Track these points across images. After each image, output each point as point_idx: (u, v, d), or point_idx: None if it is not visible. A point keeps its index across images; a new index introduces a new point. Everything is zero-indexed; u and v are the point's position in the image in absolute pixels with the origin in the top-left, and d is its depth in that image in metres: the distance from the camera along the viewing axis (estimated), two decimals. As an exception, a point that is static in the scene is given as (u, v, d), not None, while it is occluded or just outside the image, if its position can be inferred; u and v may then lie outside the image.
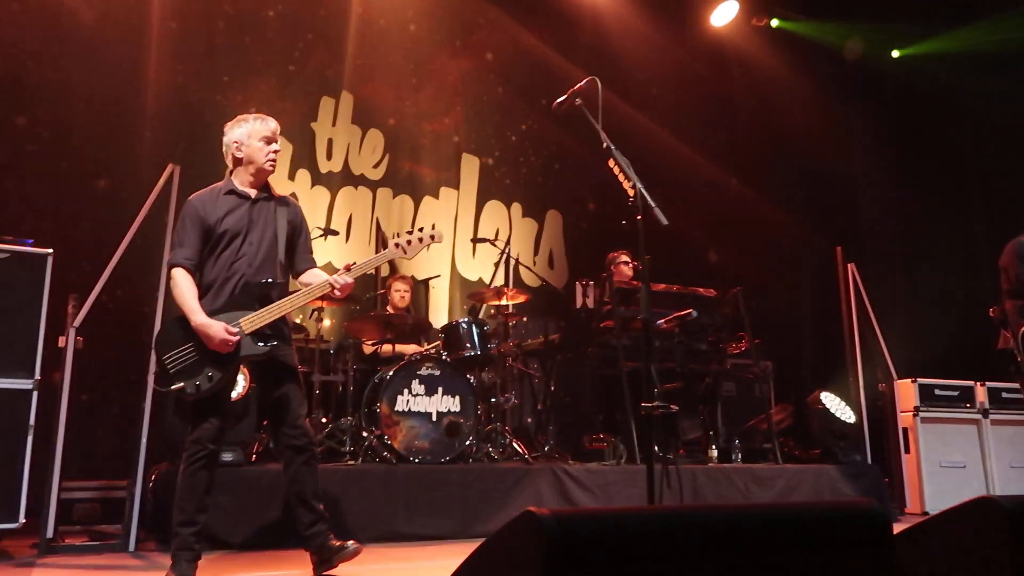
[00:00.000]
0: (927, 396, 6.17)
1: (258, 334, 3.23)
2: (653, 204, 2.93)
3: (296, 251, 3.50)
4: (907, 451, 6.05)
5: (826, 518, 1.56)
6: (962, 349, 6.90)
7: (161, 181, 4.50)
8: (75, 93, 5.82)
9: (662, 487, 2.81)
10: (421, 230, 3.45)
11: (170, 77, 6.34)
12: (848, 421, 6.10)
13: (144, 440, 4.17)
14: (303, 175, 6.92)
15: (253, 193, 3.41)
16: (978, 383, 6.32)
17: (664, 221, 2.91)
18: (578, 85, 3.29)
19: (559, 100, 3.33)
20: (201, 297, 3.27)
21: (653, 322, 5.16)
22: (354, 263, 3.45)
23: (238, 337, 3.17)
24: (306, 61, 7.07)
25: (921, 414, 6.11)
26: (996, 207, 7.78)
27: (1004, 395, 6.26)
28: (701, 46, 8.39)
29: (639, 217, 2.95)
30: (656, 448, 5.63)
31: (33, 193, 5.57)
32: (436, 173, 7.59)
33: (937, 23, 7.99)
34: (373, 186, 7.23)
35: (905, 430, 6.10)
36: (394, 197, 7.32)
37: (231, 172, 3.45)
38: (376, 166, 7.28)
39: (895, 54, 8.54)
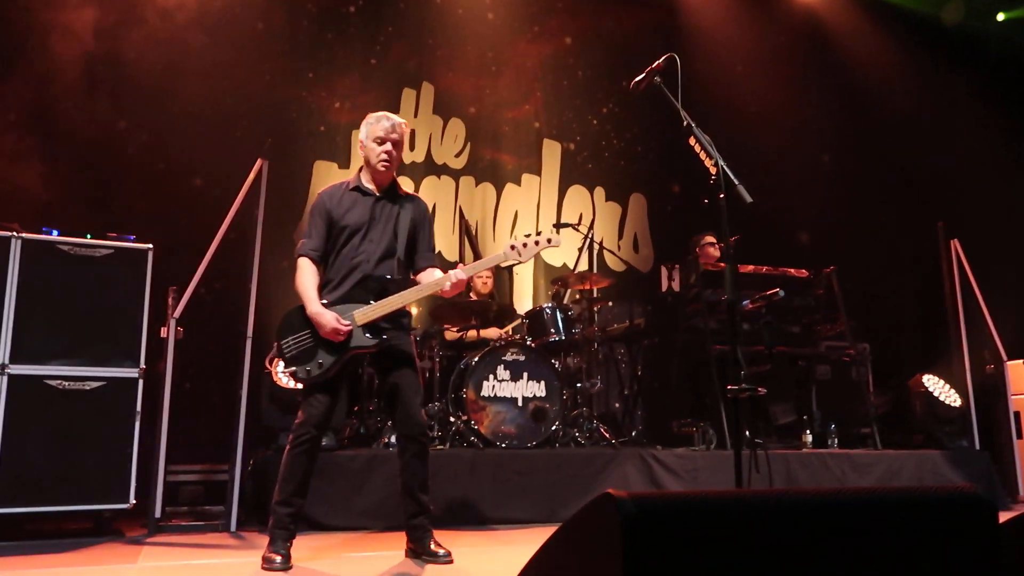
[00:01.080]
0: (1041, 378, 5.82)
1: (370, 327, 3.33)
2: (736, 181, 2.84)
3: (417, 248, 3.57)
4: (1020, 436, 5.72)
5: (924, 504, 1.47)
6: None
7: (251, 177, 4.66)
8: (169, 96, 6.06)
9: (750, 472, 2.73)
10: (539, 234, 3.40)
11: (257, 76, 6.53)
12: (954, 405, 5.81)
13: (242, 427, 4.34)
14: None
15: (377, 191, 3.52)
16: (1099, 364, 5.92)
17: (748, 198, 2.82)
18: (656, 63, 3.22)
19: (637, 79, 3.27)
20: (323, 289, 3.42)
21: (738, 303, 5.03)
22: (465, 263, 3.51)
23: (348, 327, 3.28)
24: (386, 54, 7.17)
25: (1035, 397, 5.77)
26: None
27: None
28: (787, 19, 8.10)
29: (722, 195, 2.87)
30: (747, 433, 5.51)
31: (134, 193, 5.84)
32: (517, 160, 7.59)
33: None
34: (455, 175, 7.29)
35: (1017, 414, 5.77)
36: (476, 185, 7.36)
37: (360, 169, 3.59)
38: (458, 155, 7.33)
39: (1000, 17, 8.02)
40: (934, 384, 5.89)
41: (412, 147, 7.16)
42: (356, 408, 5.29)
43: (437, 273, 3.46)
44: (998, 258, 6.85)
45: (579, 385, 5.49)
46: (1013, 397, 5.84)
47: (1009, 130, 7.95)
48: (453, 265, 6.88)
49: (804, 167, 8.08)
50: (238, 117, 6.31)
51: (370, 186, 3.52)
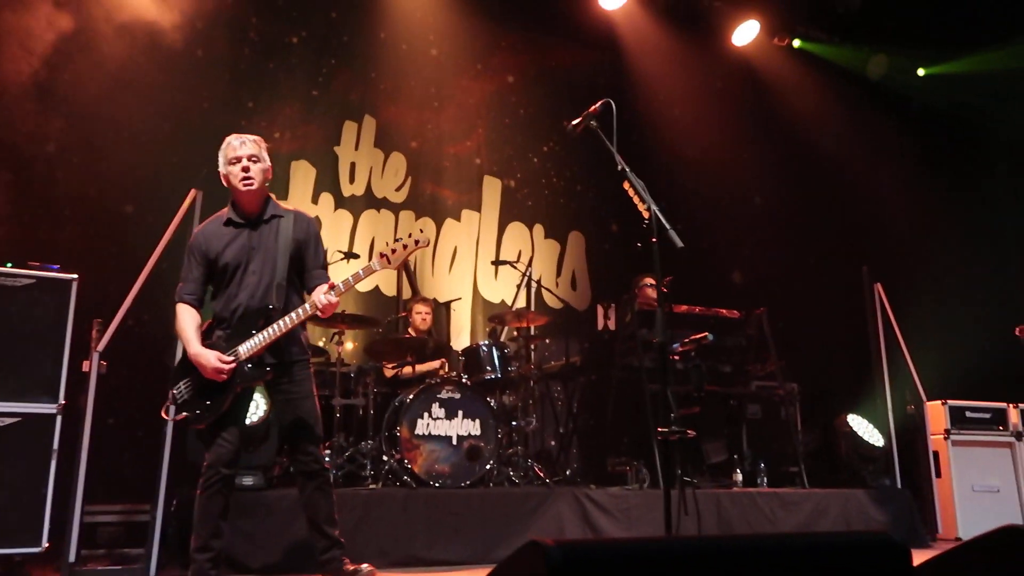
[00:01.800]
0: (958, 419, 6.03)
1: (255, 361, 3.27)
2: (668, 226, 2.91)
3: (305, 267, 3.46)
4: (938, 475, 5.91)
5: (842, 549, 1.52)
6: (994, 370, 6.74)
7: (184, 206, 4.57)
8: (103, 120, 5.93)
9: (680, 513, 2.75)
10: (409, 235, 3.36)
11: (195, 103, 6.43)
12: (877, 444, 5.98)
13: (166, 464, 4.20)
14: (326, 199, 6.98)
15: (251, 217, 3.41)
16: (1011, 405, 6.17)
17: (679, 244, 2.89)
18: (592, 107, 3.29)
19: (573, 122, 3.33)
20: (215, 328, 3.36)
21: (670, 345, 5.11)
22: (336, 283, 3.35)
23: (231, 365, 3.21)
24: (329, 86, 7.16)
25: (952, 437, 5.97)
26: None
27: (1038, 417, 6.10)
28: (724, 65, 8.37)
29: (654, 239, 2.93)
30: (679, 472, 5.57)
31: (62, 219, 5.67)
32: (458, 195, 7.62)
33: (963, 45, 7.91)
34: (395, 209, 7.28)
35: (936, 453, 5.97)
36: (416, 219, 7.35)
37: (231, 201, 3.49)
38: (398, 189, 7.33)
39: (921, 72, 8.45)
40: (858, 424, 6.07)
41: (352, 179, 7.13)
42: (286, 446, 5.16)
43: (324, 291, 3.35)
44: (918, 301, 7.13)
45: (514, 423, 5.48)
46: (932, 437, 6.04)
47: (929, 179, 8.33)
48: (391, 300, 6.91)
49: (737, 209, 8.31)
50: (175, 144, 6.18)
51: (242, 215, 3.41)
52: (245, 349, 3.26)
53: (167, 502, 4.23)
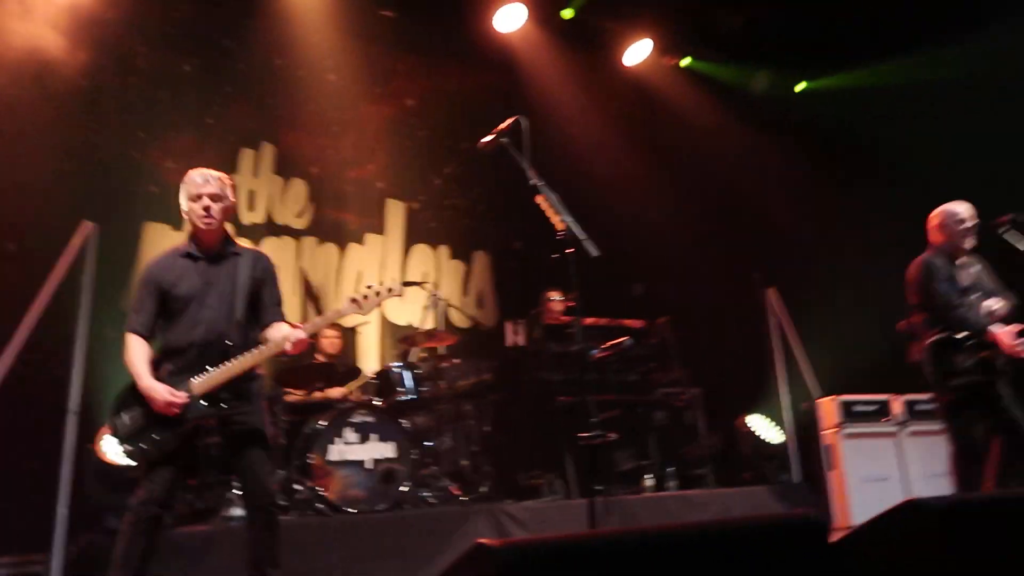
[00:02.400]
0: (848, 412, 6.36)
1: (208, 397, 3.21)
2: (583, 237, 3.01)
3: (261, 305, 3.44)
4: (832, 468, 6.22)
5: (766, 530, 1.61)
6: (880, 364, 7.16)
7: (76, 240, 4.41)
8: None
9: (603, 518, 2.84)
10: (382, 284, 3.38)
11: (82, 134, 6.21)
12: (775, 442, 6.26)
13: (64, 510, 4.00)
14: (226, 227, 6.80)
15: (208, 253, 3.39)
16: (894, 397, 6.56)
17: (594, 252, 3.00)
18: (503, 124, 3.38)
19: (485, 140, 3.40)
20: (164, 362, 3.28)
21: (588, 353, 5.23)
22: (306, 322, 3.43)
23: (183, 400, 3.15)
24: (224, 113, 7.02)
25: (844, 430, 6.30)
26: (902, 227, 8.17)
27: (919, 407, 6.51)
28: (619, 85, 8.64)
29: (570, 250, 3.03)
30: (598, 476, 5.69)
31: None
32: (361, 220, 7.58)
33: (838, 62, 8.44)
34: (297, 235, 7.17)
35: (829, 447, 6.28)
36: (319, 245, 7.27)
37: (189, 235, 3.46)
38: (300, 215, 7.23)
39: (798, 87, 8.96)
40: (757, 423, 6.34)
41: (252, 207, 7.00)
42: (193, 482, 4.99)
43: (285, 327, 3.37)
44: (809, 303, 7.51)
45: (428, 444, 5.47)
46: (824, 432, 6.36)
47: (814, 189, 8.81)
48: (297, 327, 6.79)
49: (636, 222, 8.56)
50: (61, 177, 5.94)
51: (200, 250, 3.40)
52: (197, 383, 3.20)
53: (66, 550, 4.03)
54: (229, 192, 3.45)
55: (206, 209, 3.32)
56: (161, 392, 3.14)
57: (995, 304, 4.38)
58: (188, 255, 3.40)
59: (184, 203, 3.39)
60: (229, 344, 3.27)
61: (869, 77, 8.32)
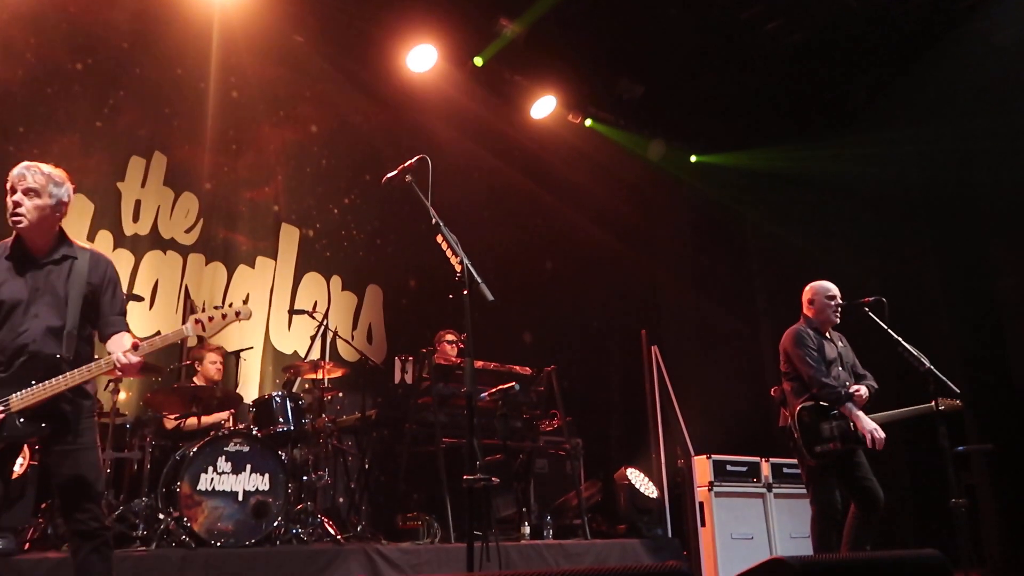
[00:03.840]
0: (720, 472, 6.61)
1: (28, 413, 2.92)
2: (479, 280, 3.03)
3: (101, 313, 3.16)
4: (703, 524, 6.42)
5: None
6: (750, 427, 7.52)
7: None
8: None
9: (481, 563, 2.81)
10: (230, 306, 3.21)
11: (-46, 121, 5.81)
12: (651, 496, 6.42)
13: None
14: (104, 236, 6.46)
15: (38, 254, 3.08)
16: (763, 459, 6.87)
17: (490, 297, 3.02)
18: (408, 162, 3.38)
19: (389, 175, 3.40)
20: None
21: (476, 396, 5.22)
22: (142, 341, 3.13)
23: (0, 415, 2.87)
24: (116, 118, 6.71)
25: (715, 489, 6.53)
26: (776, 298, 8.68)
27: (785, 470, 6.84)
28: (521, 136, 8.82)
29: (465, 292, 3.04)
30: (478, 522, 5.64)
31: None
32: (253, 242, 7.36)
33: (728, 141, 8.98)
34: (184, 251, 6.88)
35: (701, 504, 6.49)
36: (207, 264, 6.99)
37: (15, 234, 3.12)
38: (188, 231, 6.95)
39: (692, 159, 9.43)
40: (636, 477, 6.49)
41: (136, 218, 6.68)
42: (44, 505, 4.64)
43: (127, 339, 3.11)
44: (689, 364, 7.83)
45: (305, 478, 5.30)
46: (697, 488, 6.57)
47: (698, 254, 9.24)
48: (173, 347, 6.47)
49: (529, 271, 8.71)
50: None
51: (26, 252, 3.07)
52: (18, 398, 2.91)
53: None
54: (61, 192, 3.09)
55: (16, 205, 3.00)
56: None
57: (863, 391, 4.68)
58: (12, 257, 3.06)
59: (5, 199, 3.07)
60: (58, 357, 2.99)
61: (752, 159, 8.90)
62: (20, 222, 3.01)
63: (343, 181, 8.00)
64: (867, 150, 7.93)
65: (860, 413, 4.54)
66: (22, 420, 2.92)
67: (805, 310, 4.98)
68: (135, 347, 3.05)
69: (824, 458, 4.55)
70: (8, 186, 3.05)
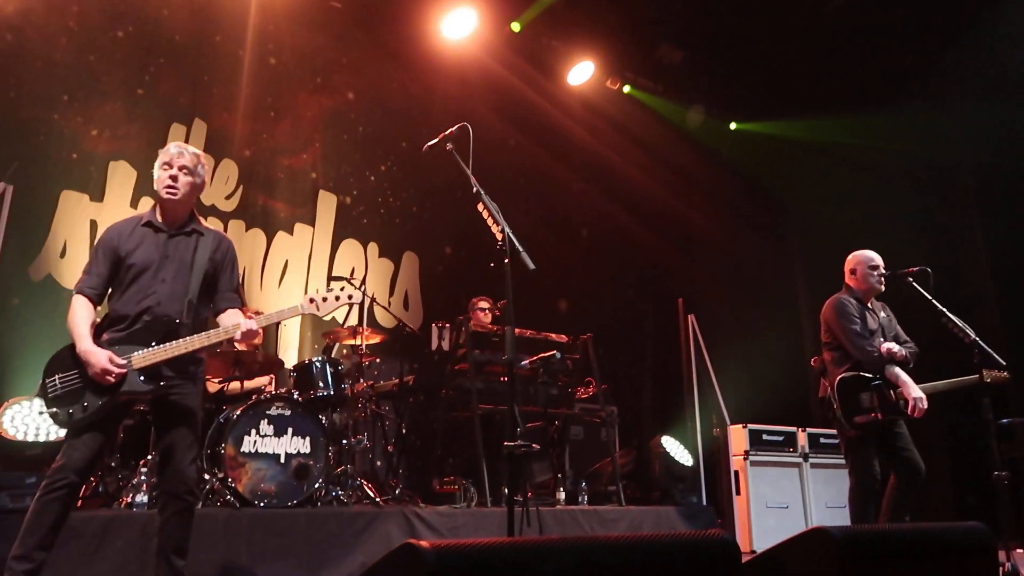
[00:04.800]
0: (756, 441, 6.60)
1: (148, 372, 3.10)
2: (521, 249, 3.03)
3: (218, 289, 3.36)
4: (738, 493, 6.43)
5: (687, 547, 1.66)
6: (785, 398, 7.47)
7: (-10, 200, 4.18)
8: None
9: (521, 527, 2.86)
10: (343, 289, 3.37)
11: (2, 91, 5.90)
12: (686, 464, 6.43)
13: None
14: (147, 203, 6.56)
15: (170, 226, 3.31)
16: (800, 429, 6.85)
17: (531, 265, 3.02)
18: (449, 130, 3.37)
19: (430, 143, 3.40)
20: (108, 328, 3.16)
21: (517, 363, 5.26)
22: (260, 314, 3.38)
23: (121, 370, 3.05)
24: (156, 85, 6.78)
25: (751, 458, 6.52)
26: (814, 270, 8.56)
27: (822, 440, 6.81)
28: (560, 101, 8.75)
29: (507, 260, 3.04)
30: (506, 490, 5.71)
31: None
32: (291, 209, 7.43)
33: (768, 110, 8.82)
34: (225, 217, 6.97)
35: (736, 473, 6.50)
36: (247, 230, 7.08)
37: (154, 204, 3.38)
38: (228, 197, 7.03)
39: (732, 126, 9.28)
40: (671, 445, 6.50)
41: (178, 185, 6.76)
42: (158, 461, 4.78)
43: (239, 315, 3.30)
44: (726, 334, 7.77)
45: (344, 442, 5.39)
46: (733, 457, 6.57)
47: (738, 224, 9.13)
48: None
49: (564, 239, 8.68)
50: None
51: (162, 221, 3.33)
52: (140, 356, 3.08)
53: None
54: (203, 171, 3.41)
55: (172, 179, 3.27)
56: (100, 358, 3.03)
57: (896, 347, 4.62)
58: (149, 224, 3.31)
59: (155, 171, 3.33)
60: (177, 322, 3.18)
61: (793, 129, 8.73)
62: (175, 194, 3.27)
63: (380, 148, 8.01)
64: (915, 124, 7.72)
65: (907, 378, 4.48)
66: (142, 377, 3.08)
67: (847, 279, 4.91)
68: (253, 320, 3.23)
69: (864, 428, 4.51)
70: (163, 161, 3.29)
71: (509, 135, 8.55)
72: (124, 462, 4.75)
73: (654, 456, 6.52)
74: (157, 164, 3.34)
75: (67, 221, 6.13)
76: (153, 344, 3.13)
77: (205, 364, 3.50)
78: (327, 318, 3.21)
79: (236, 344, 3.24)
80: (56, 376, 3.08)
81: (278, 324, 6.08)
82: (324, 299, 3.31)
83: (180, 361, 3.18)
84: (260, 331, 3.25)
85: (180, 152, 3.32)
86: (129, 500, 4.40)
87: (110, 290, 3.29)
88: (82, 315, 3.16)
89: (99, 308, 3.29)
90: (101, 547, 3.94)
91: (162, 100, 6.80)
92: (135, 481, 4.45)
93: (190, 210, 3.41)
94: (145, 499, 4.37)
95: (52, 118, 6.20)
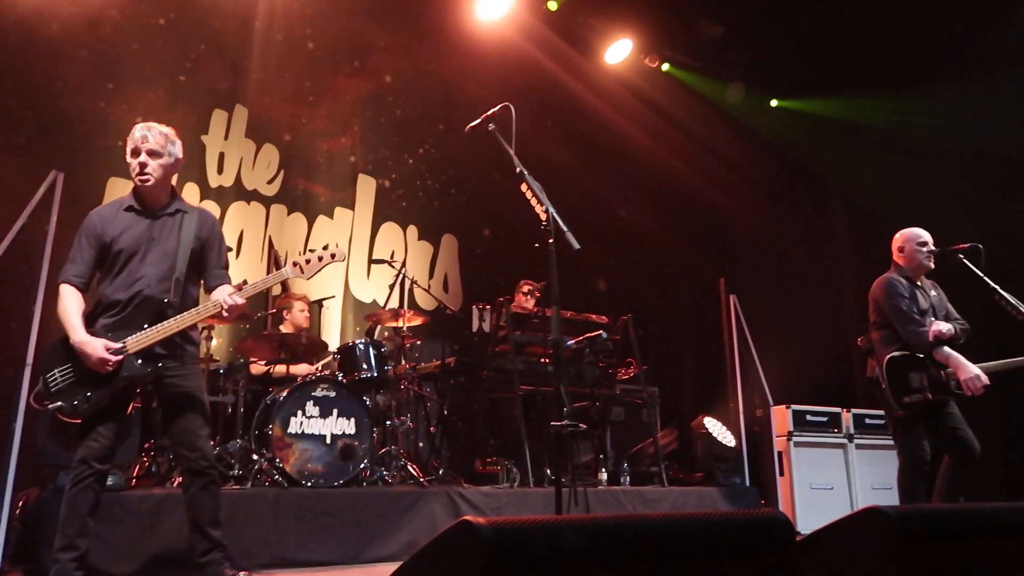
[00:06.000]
0: (800, 422, 6.54)
1: (144, 355, 3.14)
2: (565, 228, 3.01)
3: (206, 266, 3.37)
4: (781, 474, 6.38)
5: (742, 525, 1.65)
6: (830, 378, 7.37)
7: (42, 189, 4.27)
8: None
9: (569, 507, 2.86)
10: (325, 248, 3.39)
11: (49, 82, 6.03)
12: (729, 445, 6.39)
13: (14, 464, 3.89)
14: (191, 188, 6.67)
15: (152, 208, 3.30)
16: (844, 410, 6.75)
17: (576, 245, 3.00)
18: (492, 111, 3.36)
19: (472, 124, 3.38)
20: (99, 316, 3.19)
21: (564, 343, 5.25)
22: (245, 282, 3.35)
23: (118, 357, 3.07)
24: (198, 72, 6.85)
25: (794, 438, 6.46)
26: (859, 249, 8.40)
27: (867, 421, 6.71)
28: (596, 81, 8.66)
29: (551, 241, 3.03)
30: (548, 471, 5.74)
31: None
32: (331, 193, 7.48)
33: (809, 87, 8.64)
34: (267, 202, 7.06)
35: (780, 453, 6.44)
36: (288, 215, 7.16)
37: (133, 187, 3.36)
38: (270, 182, 7.11)
39: (773, 103, 9.11)
40: (713, 425, 6.46)
41: (220, 170, 6.86)
42: (147, 444, 4.91)
43: (227, 290, 3.29)
44: (768, 314, 7.67)
45: (388, 423, 5.45)
46: (776, 438, 6.51)
47: (779, 203, 8.99)
48: (260, 296, 6.67)
49: (603, 219, 8.62)
50: (23, 124, 5.76)
51: (143, 205, 3.31)
52: (134, 340, 3.11)
53: (12, 504, 3.92)
54: (175, 149, 3.35)
55: (141, 166, 3.24)
56: (95, 348, 3.05)
57: (945, 327, 4.52)
58: (131, 208, 3.30)
59: (128, 158, 3.30)
60: (166, 302, 3.19)
61: (836, 107, 8.54)
62: (148, 181, 3.24)
63: (417, 131, 8.03)
64: (963, 103, 7.49)
65: (959, 359, 4.38)
66: (139, 361, 3.12)
67: (895, 258, 4.81)
68: (239, 288, 3.25)
69: (913, 409, 4.43)
70: (131, 148, 3.26)
71: (546, 115, 8.49)
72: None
73: (696, 437, 6.49)
74: (128, 150, 3.30)
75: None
76: (145, 326, 3.14)
77: (199, 345, 3.50)
78: (311, 280, 3.23)
79: (223, 315, 3.22)
80: (55, 370, 3.10)
81: (320, 308, 6.14)
82: (308, 261, 3.34)
83: (172, 342, 3.20)
84: (243, 304, 3.24)
85: (144, 136, 3.26)
86: (181, 479, 4.49)
87: (98, 275, 3.29)
88: (72, 305, 3.17)
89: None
90: (155, 525, 4.04)
91: (203, 86, 6.87)
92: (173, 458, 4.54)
93: (169, 190, 3.38)
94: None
95: (98, 106, 6.31)
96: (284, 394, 4.78)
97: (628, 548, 1.45)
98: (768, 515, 1.74)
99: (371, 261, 7.34)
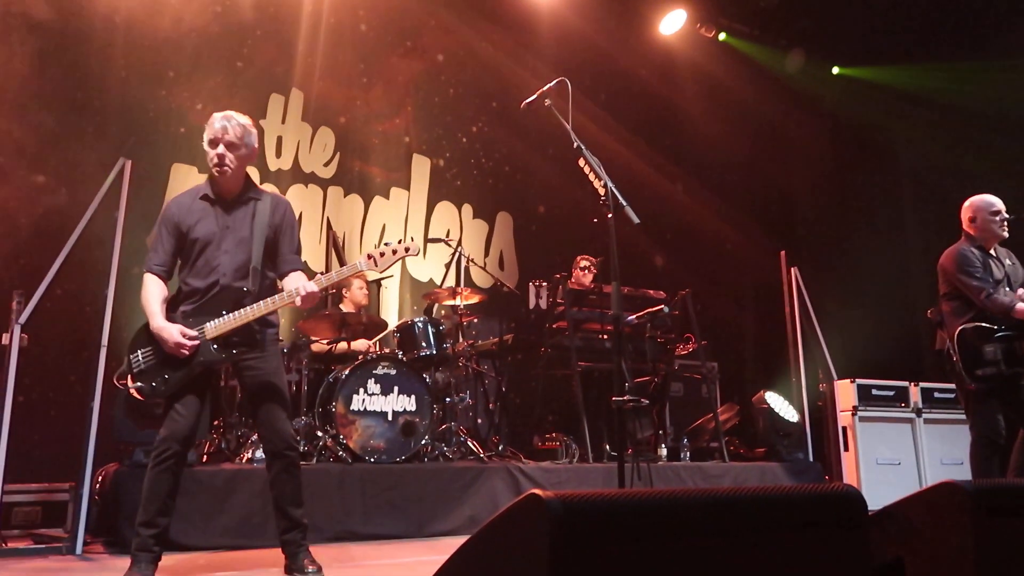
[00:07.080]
0: (865, 396, 6.39)
1: (221, 341, 3.22)
2: (624, 203, 2.98)
3: (279, 253, 3.41)
4: (846, 449, 6.26)
5: (814, 500, 1.63)
6: (896, 351, 7.18)
7: (111, 176, 4.40)
8: (10, 87, 5.61)
9: (632, 481, 2.86)
10: (400, 242, 3.39)
11: (113, 72, 6.19)
12: (791, 420, 6.29)
13: (92, 441, 4.05)
14: (251, 173, 6.75)
15: (226, 197, 3.35)
16: (912, 384, 6.58)
17: (635, 219, 2.97)
18: (547, 86, 3.34)
19: (528, 99, 3.37)
20: (181, 303, 3.28)
21: (624, 319, 5.23)
22: (320, 274, 3.41)
23: (194, 342, 3.16)
24: (254, 58, 6.95)
25: (859, 413, 6.32)
26: (926, 219, 8.14)
27: (936, 395, 6.53)
28: (650, 53, 8.53)
29: (609, 216, 3.01)
30: (607, 447, 5.74)
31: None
32: (386, 173, 7.54)
33: (873, 56, 8.35)
34: (324, 184, 7.16)
35: (844, 428, 6.31)
36: (345, 196, 7.25)
37: (209, 176, 3.43)
38: (327, 164, 7.20)
39: (835, 71, 8.85)
40: (775, 400, 6.36)
41: (279, 154, 6.97)
42: (217, 422, 5.06)
43: (303, 277, 3.35)
44: (831, 287, 7.51)
45: (448, 400, 5.51)
46: (840, 413, 6.38)
47: (842, 173, 8.75)
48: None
49: (660, 194, 8.52)
50: (91, 113, 5.94)
51: (218, 193, 3.35)
52: (212, 327, 3.20)
53: (92, 481, 4.09)
54: (252, 139, 3.37)
55: (220, 158, 3.27)
56: (172, 333, 3.13)
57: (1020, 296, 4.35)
58: (207, 197, 3.36)
59: (205, 147, 3.33)
60: (244, 290, 3.25)
61: (900, 75, 8.25)
62: (225, 172, 3.29)
63: (470, 109, 8.02)
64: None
65: None
66: (215, 347, 3.21)
67: (966, 227, 4.63)
68: (312, 281, 3.27)
69: (986, 382, 4.28)
70: (209, 137, 3.29)
71: (600, 89, 8.40)
72: (243, 420, 4.99)
73: (758, 412, 6.40)
74: (205, 138, 3.31)
75: (178, 191, 6.40)
76: (224, 313, 3.21)
77: (278, 327, 3.54)
78: (386, 274, 3.26)
79: (297, 306, 3.27)
80: (139, 351, 3.21)
81: (379, 287, 6.22)
82: (382, 254, 3.32)
83: (249, 329, 3.25)
84: (319, 293, 3.27)
85: (224, 127, 3.27)
86: (249, 456, 4.64)
87: (180, 263, 3.36)
88: (154, 293, 3.25)
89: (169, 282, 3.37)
90: (227, 499, 4.18)
91: (260, 72, 6.97)
92: (254, 438, 4.67)
93: (245, 178, 3.41)
94: (263, 455, 4.59)
95: (160, 94, 6.45)
96: (346, 372, 4.87)
97: (699, 522, 1.44)
98: (840, 489, 1.71)
99: (427, 240, 7.39)
